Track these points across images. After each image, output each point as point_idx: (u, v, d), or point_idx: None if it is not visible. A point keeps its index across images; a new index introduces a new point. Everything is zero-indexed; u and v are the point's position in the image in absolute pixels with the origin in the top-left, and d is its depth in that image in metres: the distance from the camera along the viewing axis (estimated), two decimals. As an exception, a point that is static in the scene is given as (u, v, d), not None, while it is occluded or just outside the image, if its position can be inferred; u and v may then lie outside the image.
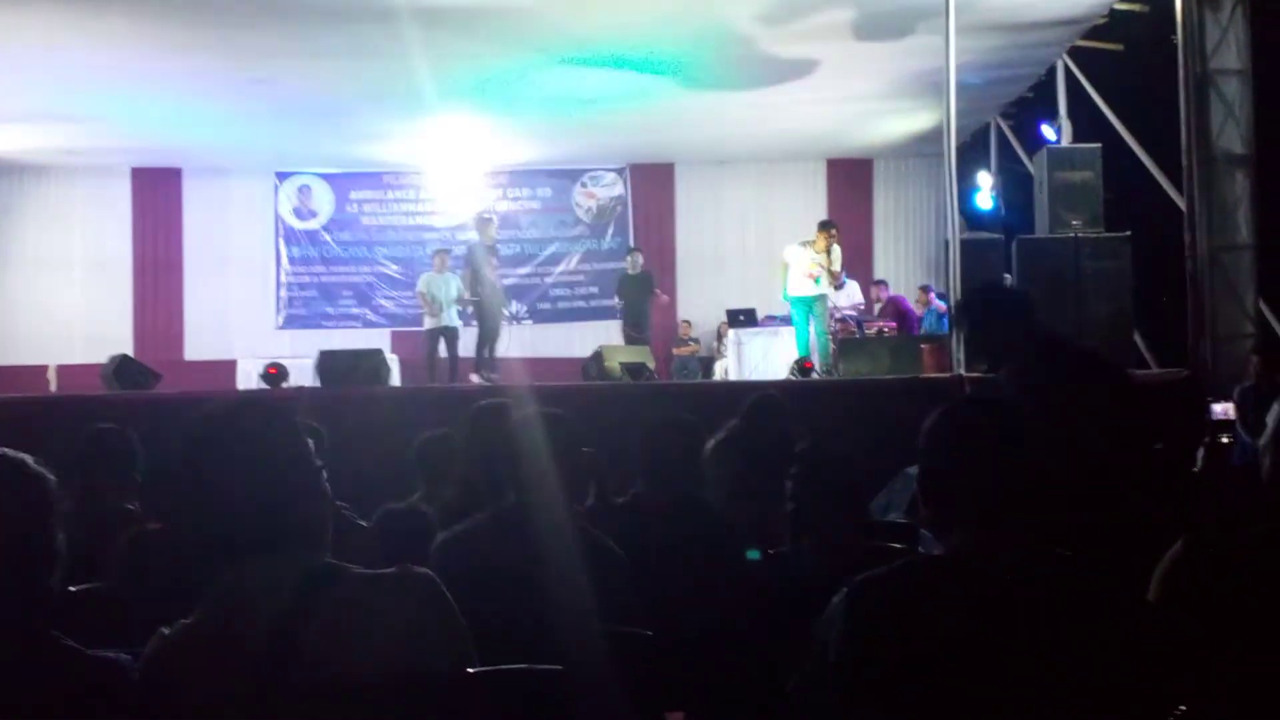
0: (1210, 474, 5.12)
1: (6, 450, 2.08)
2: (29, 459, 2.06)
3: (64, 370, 15.18)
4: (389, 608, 2.01)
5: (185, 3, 9.30)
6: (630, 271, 14.13)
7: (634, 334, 13.55)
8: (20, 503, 2.02)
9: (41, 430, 4.73)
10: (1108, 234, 10.46)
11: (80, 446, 4.21)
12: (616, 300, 14.36)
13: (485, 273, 12.71)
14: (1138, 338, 11.04)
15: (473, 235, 13.56)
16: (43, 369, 15.34)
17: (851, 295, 14.47)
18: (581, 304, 17.07)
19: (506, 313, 16.12)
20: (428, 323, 13.28)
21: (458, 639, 2.09)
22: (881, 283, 15.28)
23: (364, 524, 4.03)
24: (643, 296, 13.98)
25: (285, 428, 2.10)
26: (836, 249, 12.10)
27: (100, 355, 10.93)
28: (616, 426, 4.70)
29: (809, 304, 12.04)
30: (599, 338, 14.94)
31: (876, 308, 14.61)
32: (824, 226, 12.22)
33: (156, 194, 16.58)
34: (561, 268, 17.19)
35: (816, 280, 11.97)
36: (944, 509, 2.18)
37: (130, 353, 12.22)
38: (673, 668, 3.14)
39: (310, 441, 2.12)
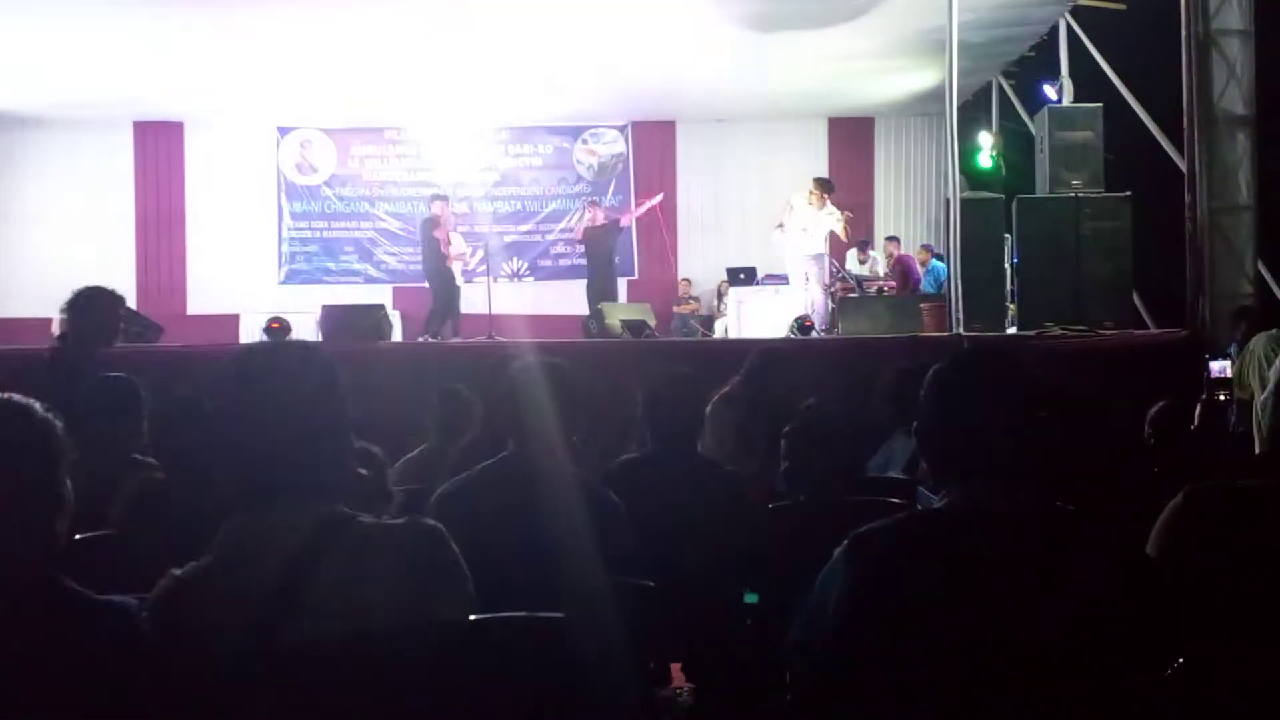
0: (1207, 430, 5.17)
1: (14, 396, 2.09)
2: (36, 405, 2.07)
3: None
4: (396, 557, 2.05)
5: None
6: (592, 224, 13.89)
7: (598, 295, 13.20)
8: (27, 448, 2.01)
9: (46, 382, 4.78)
10: (1108, 194, 10.45)
11: (88, 395, 4.24)
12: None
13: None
14: (1137, 298, 11.06)
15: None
16: (47, 322, 15.32)
17: (874, 266, 14.54)
18: (582, 261, 17.03)
19: (507, 269, 16.25)
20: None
21: (462, 588, 2.13)
22: (894, 239, 15.28)
23: (364, 472, 4.08)
24: (607, 250, 13.93)
25: (324, 373, 2.12)
26: (831, 208, 12.16)
27: (104, 308, 10.94)
28: (619, 378, 4.75)
29: (805, 262, 12.14)
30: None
31: (883, 265, 14.69)
32: (815, 182, 12.30)
33: (158, 147, 16.56)
34: (562, 225, 17.15)
35: (811, 238, 12.05)
36: (943, 463, 2.20)
37: (133, 306, 12.24)
38: (674, 619, 3.18)
39: None
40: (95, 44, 12.27)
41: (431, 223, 12.97)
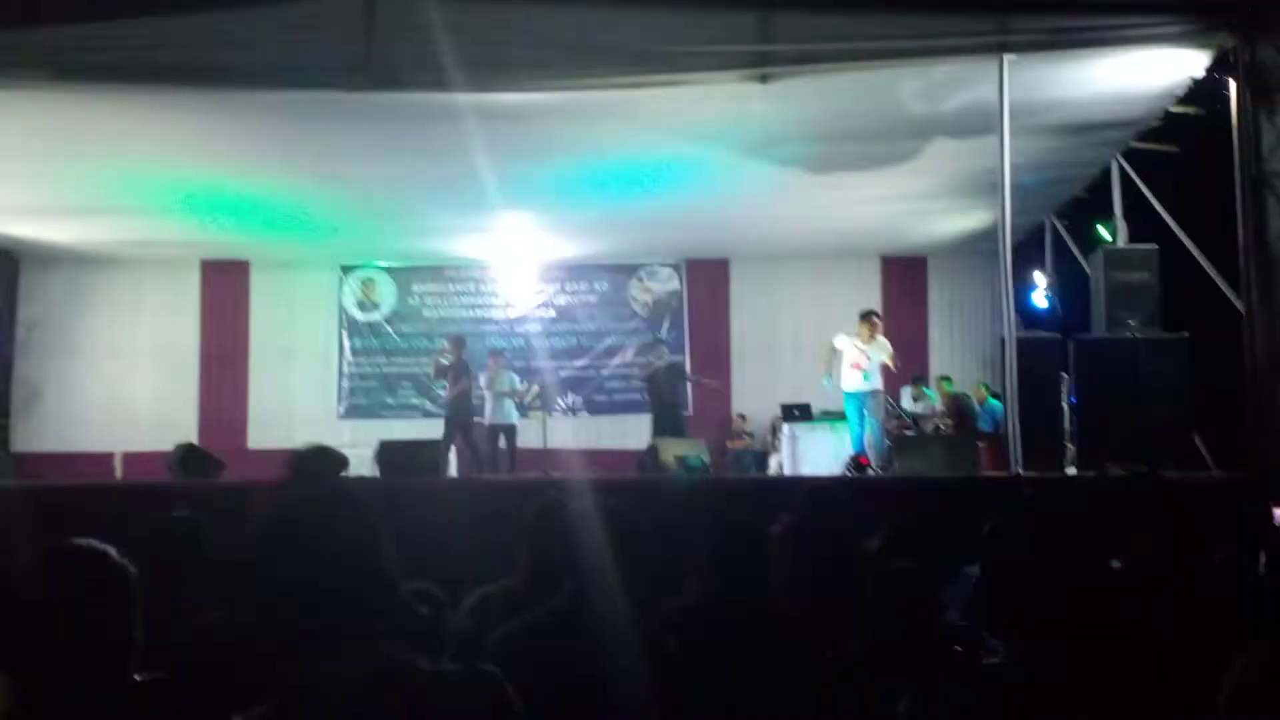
0: (1275, 580, 5.03)
1: (93, 541, 2.14)
2: (112, 551, 2.11)
3: (130, 457, 15.41)
4: (453, 704, 2.05)
5: (254, 103, 9.55)
6: (659, 363, 14.23)
7: (663, 429, 13.54)
8: (104, 595, 2.06)
9: (111, 517, 4.84)
10: (1166, 335, 10.39)
11: (152, 533, 4.28)
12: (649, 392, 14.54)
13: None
14: (1197, 438, 10.89)
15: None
16: (109, 456, 15.58)
17: (928, 405, 14.49)
18: (636, 396, 17.15)
19: (562, 403, 16.43)
20: (488, 418, 13.63)
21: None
22: (946, 378, 15.25)
23: (423, 612, 4.07)
24: (669, 387, 14.10)
25: (359, 520, 2.12)
26: (882, 340, 12.19)
27: (166, 442, 11.11)
28: (673, 520, 4.73)
29: (860, 399, 12.09)
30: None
31: (938, 402, 14.63)
32: (863, 316, 12.35)
33: (225, 285, 16.95)
34: (617, 360, 17.33)
35: (865, 375, 12.02)
36: (1008, 614, 2.18)
37: (195, 441, 12.42)
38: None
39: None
40: (165, 187, 12.65)
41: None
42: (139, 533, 4.18)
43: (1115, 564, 3.35)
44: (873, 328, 12.23)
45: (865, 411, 12.14)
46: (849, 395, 12.24)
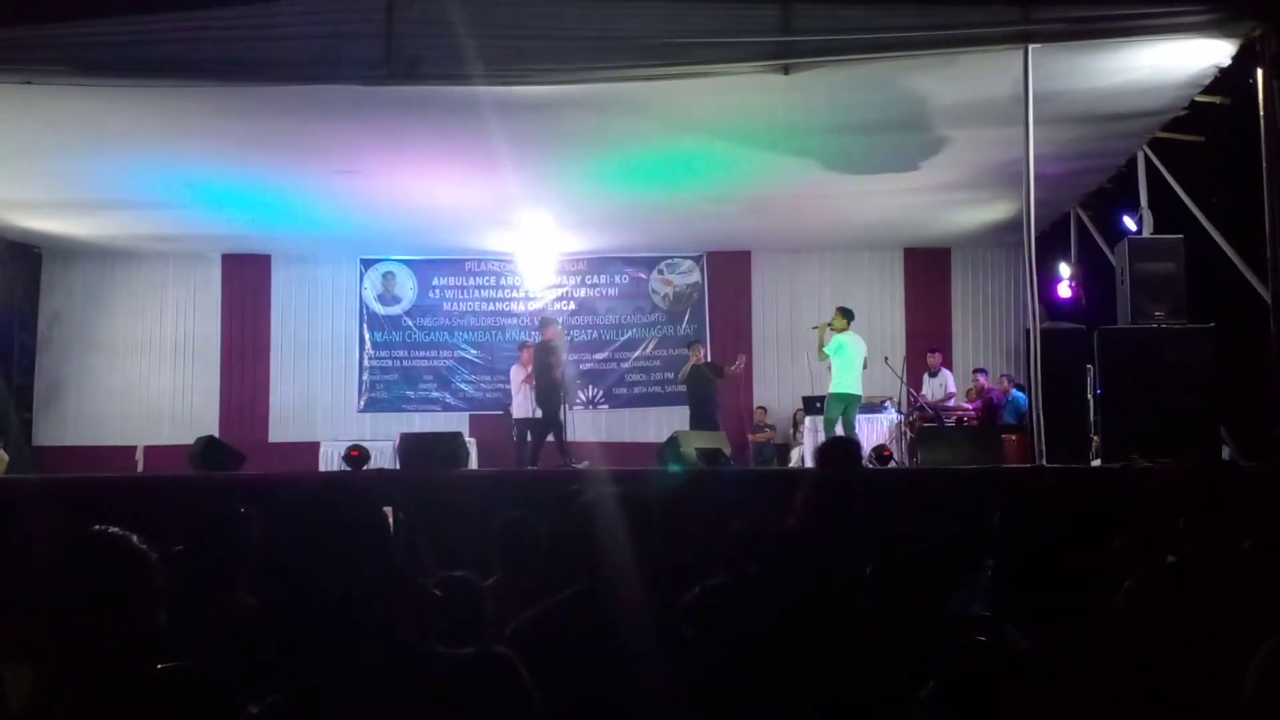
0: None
1: (110, 528, 2.13)
2: (132, 537, 2.11)
3: (151, 451, 15.49)
4: (467, 690, 2.05)
5: (274, 98, 9.58)
6: (696, 362, 14.28)
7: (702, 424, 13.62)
8: (124, 582, 2.06)
9: (138, 509, 4.86)
10: (1191, 325, 10.29)
11: (193, 525, 4.28)
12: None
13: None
14: (1223, 431, 10.80)
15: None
16: (131, 450, 15.67)
17: (945, 384, 14.43)
18: (657, 389, 17.17)
19: (583, 396, 16.40)
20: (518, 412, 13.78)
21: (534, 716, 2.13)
22: (981, 370, 15.18)
23: (438, 593, 4.07)
24: (710, 384, 14.12)
25: (363, 515, 2.11)
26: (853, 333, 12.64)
27: (187, 436, 11.15)
28: (694, 511, 4.72)
29: (844, 402, 12.38)
30: (673, 423, 15.01)
31: (952, 384, 14.60)
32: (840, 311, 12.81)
33: (246, 279, 17.03)
34: (637, 353, 17.32)
35: (847, 369, 12.46)
36: (1022, 604, 2.18)
37: (216, 434, 12.46)
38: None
39: (391, 519, 2.15)
40: (187, 181, 12.69)
41: (546, 347, 13.26)
42: (176, 523, 4.20)
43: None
44: (845, 321, 12.61)
45: (843, 417, 12.44)
46: (837, 396, 12.44)
